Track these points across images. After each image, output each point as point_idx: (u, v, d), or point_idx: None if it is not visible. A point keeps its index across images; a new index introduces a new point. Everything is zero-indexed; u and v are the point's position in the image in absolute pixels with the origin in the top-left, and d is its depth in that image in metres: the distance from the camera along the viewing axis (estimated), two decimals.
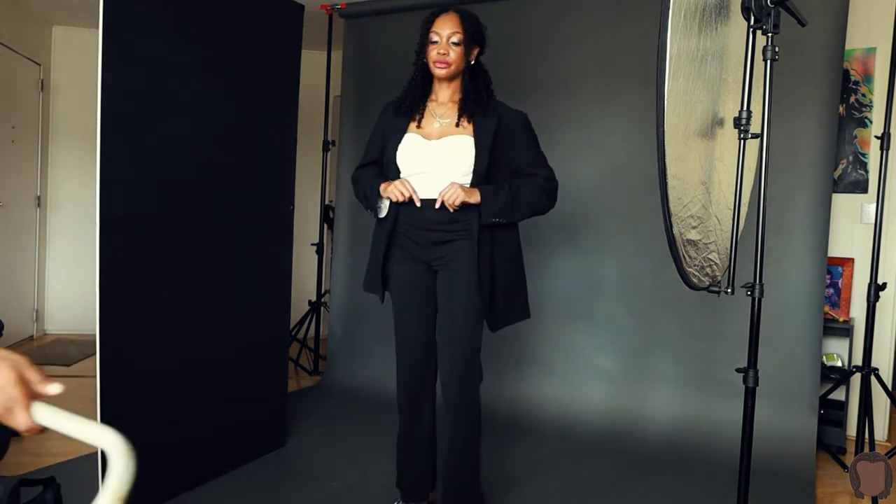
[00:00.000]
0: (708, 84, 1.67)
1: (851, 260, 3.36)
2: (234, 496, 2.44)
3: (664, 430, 3.14)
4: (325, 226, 4.53)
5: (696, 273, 1.77)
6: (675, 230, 1.59)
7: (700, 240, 1.77)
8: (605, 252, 3.36)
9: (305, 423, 3.26)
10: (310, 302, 4.45)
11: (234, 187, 2.59)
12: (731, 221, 1.87)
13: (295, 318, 4.07)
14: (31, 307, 5.08)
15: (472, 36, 2.11)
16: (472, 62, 2.14)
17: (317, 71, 4.40)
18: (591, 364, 3.41)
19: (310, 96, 4.01)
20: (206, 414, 2.50)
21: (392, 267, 2.18)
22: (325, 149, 4.33)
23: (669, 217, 1.56)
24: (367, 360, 3.91)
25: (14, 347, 4.28)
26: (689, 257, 1.71)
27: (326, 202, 4.68)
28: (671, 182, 1.52)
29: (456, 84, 2.15)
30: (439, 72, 2.10)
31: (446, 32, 2.08)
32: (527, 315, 2.23)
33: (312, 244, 4.47)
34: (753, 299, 1.79)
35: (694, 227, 1.71)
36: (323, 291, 4.48)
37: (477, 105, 2.12)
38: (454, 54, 2.08)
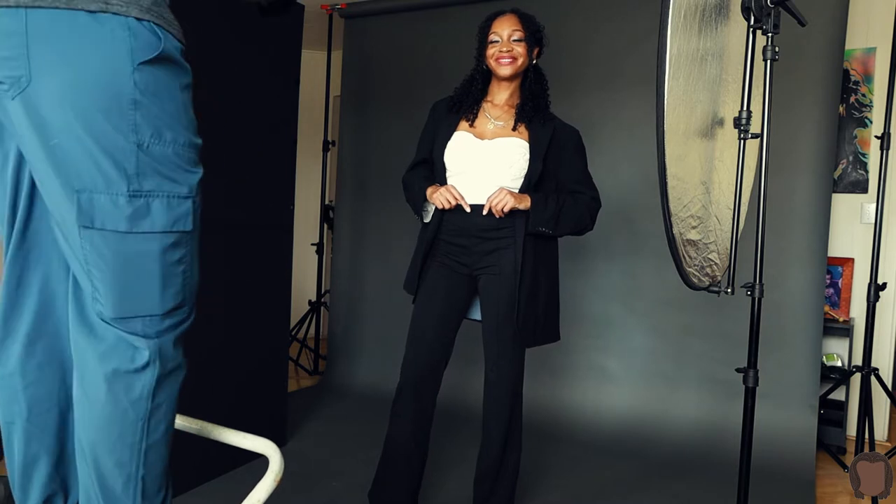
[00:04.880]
0: (708, 84, 1.67)
1: (851, 260, 3.36)
2: (233, 496, 2.44)
3: (663, 429, 3.14)
4: (325, 226, 4.53)
5: (696, 273, 1.77)
6: (675, 230, 1.59)
7: (700, 240, 1.77)
8: (606, 252, 3.37)
9: (305, 423, 3.26)
10: (310, 302, 4.45)
11: (234, 187, 2.59)
12: (731, 221, 1.87)
13: (295, 318, 4.08)
14: None
15: (533, 34, 2.09)
16: (534, 62, 2.12)
17: (317, 71, 4.40)
18: (591, 364, 3.41)
19: (310, 96, 4.01)
20: (206, 413, 2.50)
21: (428, 271, 2.15)
22: (325, 149, 4.33)
23: (669, 217, 1.56)
24: (367, 360, 3.91)
25: None
26: (689, 257, 1.71)
27: (326, 202, 4.68)
28: (671, 182, 1.52)
29: (515, 87, 2.13)
30: (504, 70, 2.06)
31: (506, 32, 2.06)
32: (557, 337, 2.20)
33: (312, 244, 4.47)
34: (753, 299, 1.79)
35: (694, 227, 1.71)
36: (323, 291, 4.48)
37: (535, 112, 2.09)
38: (519, 49, 2.06)
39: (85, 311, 1.07)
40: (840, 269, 3.38)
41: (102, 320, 1.05)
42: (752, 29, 1.68)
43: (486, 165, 2.06)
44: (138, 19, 1.00)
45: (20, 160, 1.10)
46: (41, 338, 1.15)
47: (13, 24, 0.95)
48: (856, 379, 3.16)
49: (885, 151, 2.90)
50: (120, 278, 1.04)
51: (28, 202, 1.13)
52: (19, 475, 1.17)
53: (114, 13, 0.98)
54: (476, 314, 2.23)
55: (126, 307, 1.05)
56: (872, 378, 2.95)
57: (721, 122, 1.80)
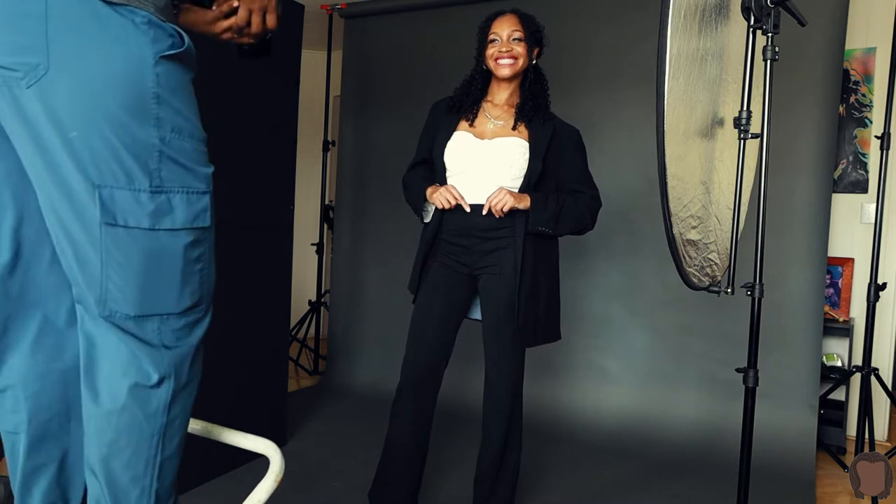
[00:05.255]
0: (708, 84, 1.67)
1: (851, 260, 3.36)
2: (233, 496, 2.44)
3: (663, 429, 3.14)
4: (325, 226, 4.53)
5: (696, 273, 1.77)
6: (675, 230, 1.59)
7: (700, 240, 1.77)
8: (606, 252, 3.37)
9: (305, 423, 3.26)
10: (310, 302, 4.45)
11: (234, 187, 2.59)
12: (731, 221, 1.87)
13: (295, 318, 4.08)
14: None
15: (533, 34, 2.09)
16: (534, 62, 2.12)
17: (317, 71, 4.40)
18: (591, 364, 3.41)
19: (310, 96, 4.01)
20: (206, 413, 2.50)
21: (428, 271, 2.15)
22: (325, 149, 4.33)
23: (669, 217, 1.56)
24: (367, 360, 3.91)
25: None
26: (689, 257, 1.71)
27: (326, 202, 4.68)
28: (671, 182, 1.52)
29: (514, 86, 2.12)
30: (503, 70, 2.06)
31: (506, 32, 2.06)
32: (558, 336, 2.19)
33: (312, 244, 4.47)
34: (753, 299, 1.79)
35: (694, 227, 1.71)
36: (323, 291, 4.48)
37: (535, 111, 2.09)
38: (519, 49, 2.06)
39: (97, 324, 1.04)
40: (840, 269, 3.38)
41: (115, 325, 1.03)
42: (752, 29, 1.68)
43: (485, 165, 2.06)
44: (156, 15, 0.99)
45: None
46: (43, 349, 1.14)
47: (32, 6, 0.92)
48: (856, 379, 3.16)
49: (885, 151, 2.90)
50: (140, 275, 1.02)
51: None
52: (20, 486, 1.16)
53: (134, 7, 0.97)
54: (476, 314, 2.23)
55: (144, 305, 1.03)
56: (872, 378, 2.95)
57: (721, 122, 1.80)
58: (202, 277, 1.09)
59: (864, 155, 3.36)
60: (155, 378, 1.03)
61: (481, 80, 2.14)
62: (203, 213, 1.06)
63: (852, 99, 3.37)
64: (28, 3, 0.92)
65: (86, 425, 1.07)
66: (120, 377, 1.03)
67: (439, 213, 2.11)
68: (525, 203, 2.02)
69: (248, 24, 1.18)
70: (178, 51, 1.01)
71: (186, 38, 1.04)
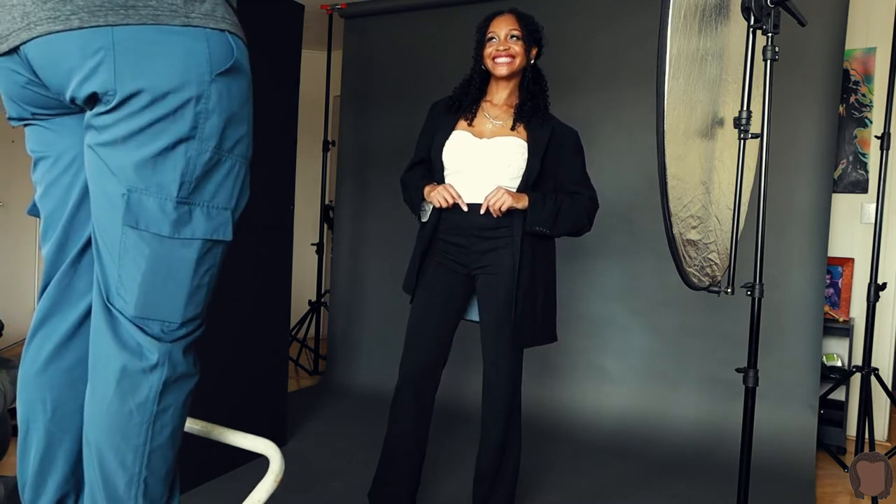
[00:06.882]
0: (708, 84, 1.67)
1: (851, 260, 3.36)
2: (233, 496, 2.44)
3: (663, 429, 3.14)
4: (325, 226, 4.53)
5: (696, 273, 1.77)
6: (675, 230, 1.59)
7: (700, 240, 1.77)
8: (606, 252, 3.37)
9: (305, 423, 3.26)
10: (310, 302, 4.45)
11: None
12: (731, 221, 1.87)
13: (295, 318, 4.08)
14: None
15: (531, 34, 2.09)
16: (532, 62, 2.12)
17: (317, 71, 4.39)
18: (590, 364, 3.41)
19: (310, 96, 4.01)
20: (206, 413, 2.50)
21: (426, 270, 2.15)
22: (325, 149, 4.33)
23: (669, 217, 1.56)
24: (367, 360, 3.91)
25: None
26: (689, 257, 1.71)
27: (326, 202, 4.68)
28: (671, 182, 1.52)
29: (513, 86, 2.12)
30: (501, 69, 2.06)
31: (504, 31, 2.06)
32: (554, 338, 2.19)
33: (312, 244, 4.47)
34: (753, 299, 1.79)
35: (694, 227, 1.71)
36: (323, 291, 4.48)
37: (534, 112, 2.09)
38: (516, 48, 2.06)
39: (108, 311, 1.06)
40: (840, 269, 3.38)
41: (123, 315, 1.05)
42: (752, 29, 1.68)
43: (484, 164, 2.06)
44: (215, 30, 1.04)
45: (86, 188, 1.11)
46: (75, 342, 1.16)
47: (101, 40, 0.97)
48: (856, 379, 3.16)
49: (885, 151, 2.90)
50: (150, 280, 1.04)
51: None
52: (34, 474, 1.17)
53: (194, 26, 1.01)
54: (474, 315, 2.23)
55: (148, 309, 1.05)
56: (872, 378, 2.95)
57: (721, 122, 1.80)
58: (207, 292, 1.12)
59: (864, 155, 3.36)
60: (147, 363, 1.05)
61: (480, 80, 2.14)
62: (224, 226, 1.11)
63: (852, 99, 3.37)
64: (100, 36, 0.97)
65: (86, 406, 1.09)
66: (117, 358, 1.05)
67: (437, 212, 2.11)
68: (523, 203, 2.02)
69: None
70: (229, 65, 1.05)
71: (236, 52, 1.07)
